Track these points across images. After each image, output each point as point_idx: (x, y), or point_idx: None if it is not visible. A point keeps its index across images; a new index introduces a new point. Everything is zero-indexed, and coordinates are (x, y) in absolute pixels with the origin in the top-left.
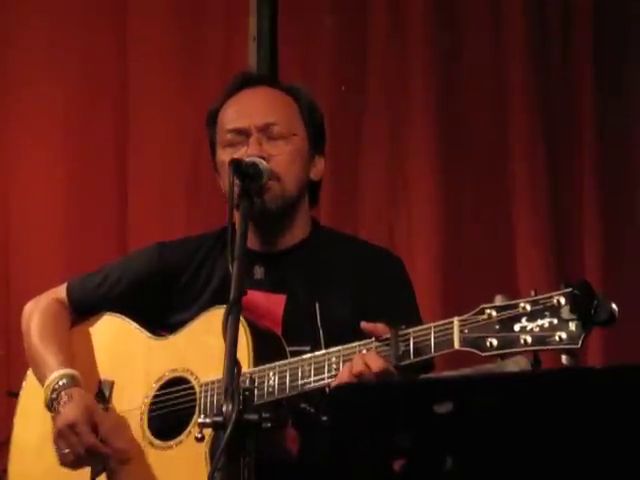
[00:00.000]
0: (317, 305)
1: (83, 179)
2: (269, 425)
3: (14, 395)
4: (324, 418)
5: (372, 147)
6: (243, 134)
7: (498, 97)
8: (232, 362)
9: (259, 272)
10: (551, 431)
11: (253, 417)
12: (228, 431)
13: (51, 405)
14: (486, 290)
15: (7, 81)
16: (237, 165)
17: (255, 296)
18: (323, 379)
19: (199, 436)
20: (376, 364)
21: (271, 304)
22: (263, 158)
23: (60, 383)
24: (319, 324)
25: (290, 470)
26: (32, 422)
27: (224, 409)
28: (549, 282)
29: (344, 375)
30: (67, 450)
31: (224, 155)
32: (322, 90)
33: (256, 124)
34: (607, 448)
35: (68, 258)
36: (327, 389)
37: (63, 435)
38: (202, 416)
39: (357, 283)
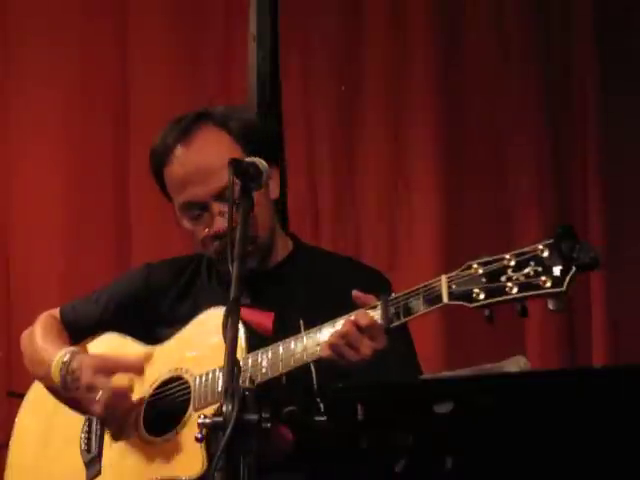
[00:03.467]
0: (301, 322)
1: (83, 181)
2: (269, 425)
3: (14, 395)
4: (321, 418)
5: (372, 147)
6: (200, 206)
7: (499, 97)
8: (232, 362)
9: (245, 297)
10: (551, 430)
11: (253, 417)
12: (228, 431)
13: (64, 381)
14: None
15: (8, 84)
16: (237, 165)
17: (245, 312)
18: (315, 352)
19: (199, 436)
20: (365, 319)
21: (261, 318)
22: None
23: (65, 358)
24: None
25: (284, 469)
26: (37, 417)
27: (224, 409)
28: None
29: (331, 338)
30: (100, 394)
31: (186, 224)
32: (322, 90)
33: (211, 193)
34: (607, 447)
35: (68, 259)
36: (312, 365)
37: (93, 382)
38: (202, 416)
39: (338, 297)
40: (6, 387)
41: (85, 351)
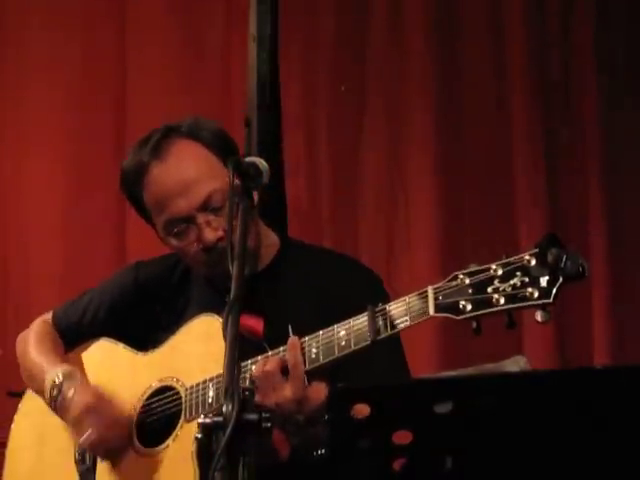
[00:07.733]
0: (290, 328)
1: (83, 180)
2: (269, 425)
3: (14, 395)
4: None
5: (372, 147)
6: (185, 220)
7: (498, 97)
8: (232, 362)
9: None
10: (551, 431)
11: (253, 417)
12: (228, 431)
13: (55, 401)
14: None
15: (6, 79)
16: (237, 164)
17: None
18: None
19: (199, 436)
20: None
21: (252, 323)
22: (221, 239)
23: (58, 380)
24: None
25: (281, 473)
26: (30, 426)
27: (224, 409)
28: None
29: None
30: (89, 430)
31: (172, 241)
32: (322, 90)
33: (194, 205)
34: (607, 448)
35: (67, 259)
36: None
37: (82, 419)
38: (202, 416)
39: (323, 297)
40: (6, 387)
41: (79, 364)
